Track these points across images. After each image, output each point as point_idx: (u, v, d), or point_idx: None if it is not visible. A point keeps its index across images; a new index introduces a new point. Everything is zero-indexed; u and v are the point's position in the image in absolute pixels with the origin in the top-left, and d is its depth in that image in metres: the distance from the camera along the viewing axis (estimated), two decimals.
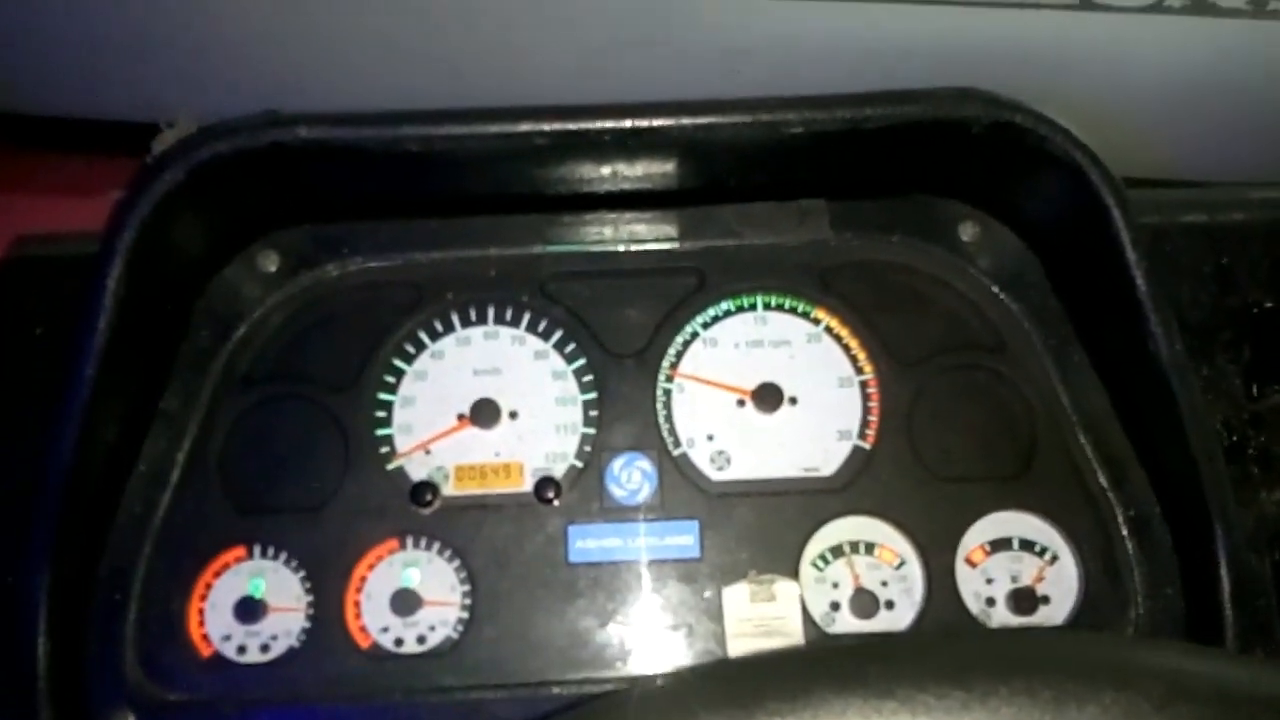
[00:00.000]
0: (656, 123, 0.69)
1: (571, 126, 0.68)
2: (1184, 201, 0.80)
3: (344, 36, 0.93)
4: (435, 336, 0.76)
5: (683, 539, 0.72)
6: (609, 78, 0.90)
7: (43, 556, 0.64)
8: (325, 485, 0.72)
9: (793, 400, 0.75)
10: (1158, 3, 0.89)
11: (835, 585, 0.71)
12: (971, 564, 0.72)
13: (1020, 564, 0.72)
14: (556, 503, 0.72)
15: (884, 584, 0.72)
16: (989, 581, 0.72)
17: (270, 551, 0.71)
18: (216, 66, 1.00)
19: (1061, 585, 0.72)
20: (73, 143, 1.09)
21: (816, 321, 0.76)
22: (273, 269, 0.76)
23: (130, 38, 1.03)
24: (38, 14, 1.06)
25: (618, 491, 0.73)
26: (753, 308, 0.77)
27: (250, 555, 0.71)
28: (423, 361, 0.75)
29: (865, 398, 0.75)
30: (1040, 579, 0.71)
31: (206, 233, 0.72)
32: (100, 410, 0.66)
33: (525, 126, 0.68)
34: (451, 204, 0.76)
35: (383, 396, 0.74)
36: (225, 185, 0.69)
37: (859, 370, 0.76)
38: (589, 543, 0.72)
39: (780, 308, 0.77)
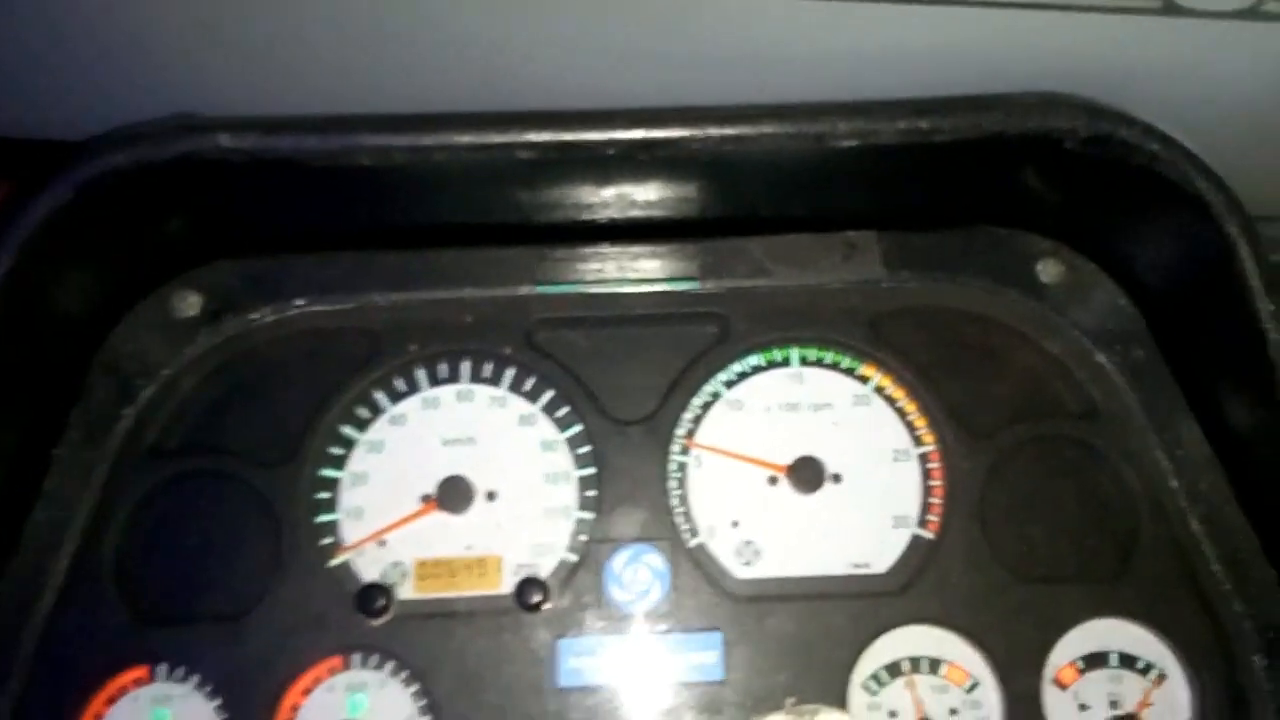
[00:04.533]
0: (673, 133, 0.57)
1: (566, 137, 0.57)
2: None
3: (288, 24, 0.82)
4: (395, 398, 0.65)
5: (703, 656, 0.62)
6: (610, 83, 0.78)
7: None
8: (249, 588, 0.62)
9: (836, 478, 0.65)
10: (1254, 7, 0.78)
11: (893, 715, 0.61)
12: (1061, 685, 0.62)
13: (1120, 685, 0.62)
14: (543, 609, 0.62)
15: (953, 712, 0.62)
16: (1083, 708, 0.63)
17: (178, 673, 0.61)
18: (134, 70, 0.88)
19: (1173, 713, 0.61)
20: None
21: (865, 380, 0.66)
22: (191, 314, 0.65)
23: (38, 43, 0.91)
24: None
25: (620, 594, 0.63)
26: (786, 363, 0.67)
27: (153, 678, 0.61)
28: (379, 429, 0.64)
29: (926, 475, 0.65)
30: (1146, 704, 0.62)
31: (105, 268, 0.61)
32: None
33: (508, 137, 0.57)
34: (417, 234, 0.65)
35: (326, 473, 0.63)
36: (127, 208, 0.57)
37: (918, 441, 0.65)
38: (583, 661, 0.62)
39: (820, 363, 0.67)
